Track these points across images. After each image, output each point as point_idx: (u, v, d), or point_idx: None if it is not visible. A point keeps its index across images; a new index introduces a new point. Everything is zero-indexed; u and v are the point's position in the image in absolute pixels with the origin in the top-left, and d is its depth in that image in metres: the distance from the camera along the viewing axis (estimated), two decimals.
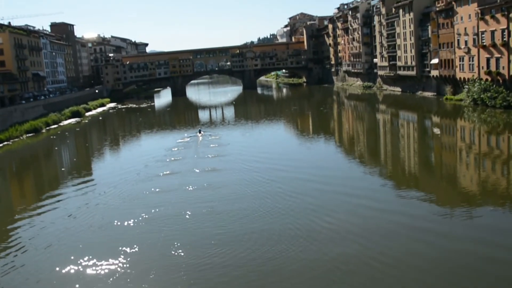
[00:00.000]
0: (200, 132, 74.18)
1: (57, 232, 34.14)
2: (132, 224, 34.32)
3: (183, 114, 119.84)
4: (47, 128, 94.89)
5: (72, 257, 29.14)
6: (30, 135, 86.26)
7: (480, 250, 26.65)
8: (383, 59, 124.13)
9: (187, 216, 34.93)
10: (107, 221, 35.51)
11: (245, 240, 29.95)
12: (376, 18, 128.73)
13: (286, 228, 31.20)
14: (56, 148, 77.80)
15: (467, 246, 27.41)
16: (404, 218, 31.94)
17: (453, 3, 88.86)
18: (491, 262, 25.40)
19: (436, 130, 70.13)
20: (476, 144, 58.55)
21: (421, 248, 27.23)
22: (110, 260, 28.30)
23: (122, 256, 28.74)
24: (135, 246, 30.07)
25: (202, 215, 34.99)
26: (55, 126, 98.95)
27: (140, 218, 35.25)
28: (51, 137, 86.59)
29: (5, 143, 77.89)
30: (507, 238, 28.21)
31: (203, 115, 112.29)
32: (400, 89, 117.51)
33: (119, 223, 34.66)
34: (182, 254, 28.61)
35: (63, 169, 61.13)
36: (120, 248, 29.95)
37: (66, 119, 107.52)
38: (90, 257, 28.84)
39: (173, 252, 28.97)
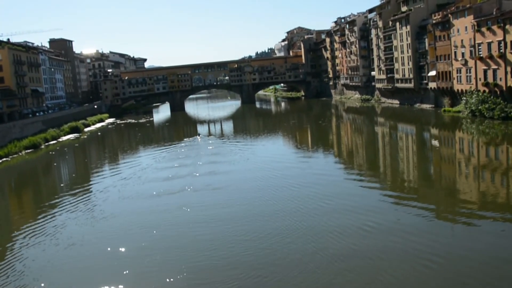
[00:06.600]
0: (199, 136, 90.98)
1: (54, 251, 33.75)
2: (138, 237, 34.21)
3: (182, 129, 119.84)
4: (46, 144, 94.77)
5: (68, 278, 28.97)
6: (29, 151, 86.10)
7: (481, 261, 26.58)
8: (381, 72, 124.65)
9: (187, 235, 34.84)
10: (106, 238, 35.38)
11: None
12: (373, 31, 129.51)
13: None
14: (55, 164, 77.65)
15: (467, 258, 27.33)
16: (403, 232, 31.73)
17: (449, 15, 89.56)
18: (492, 273, 25.33)
19: (435, 142, 70.16)
20: (475, 155, 58.54)
21: (419, 261, 27.06)
22: (107, 281, 27.89)
23: (120, 278, 28.18)
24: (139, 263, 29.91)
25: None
26: (54, 142, 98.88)
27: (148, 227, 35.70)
28: (50, 153, 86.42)
29: (4, 159, 77.76)
30: (506, 250, 28.17)
31: (202, 129, 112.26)
32: (398, 102, 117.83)
33: (120, 242, 34.49)
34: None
35: (62, 185, 60.91)
36: (119, 269, 29.65)
37: (65, 135, 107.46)
38: (86, 279, 28.57)
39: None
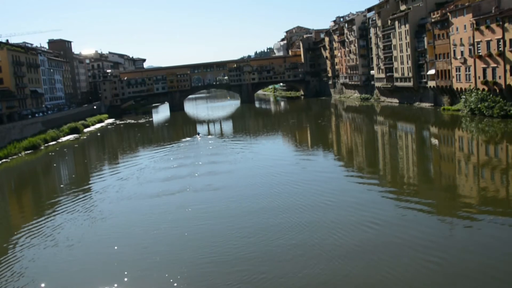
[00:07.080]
0: (199, 134, 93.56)
1: (52, 252, 33.70)
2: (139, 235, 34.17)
3: (181, 129, 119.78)
4: (46, 144, 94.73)
5: (67, 279, 28.96)
6: (28, 152, 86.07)
7: (481, 259, 26.60)
8: (380, 71, 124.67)
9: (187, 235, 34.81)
10: (106, 239, 35.37)
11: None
12: (372, 30, 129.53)
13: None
14: (54, 164, 77.57)
15: (470, 252, 27.51)
16: (404, 229, 31.79)
17: (448, 14, 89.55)
18: (492, 271, 25.36)
19: (435, 141, 70.15)
20: (475, 153, 58.57)
21: (423, 256, 27.14)
22: (107, 282, 27.78)
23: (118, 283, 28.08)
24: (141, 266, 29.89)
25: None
26: (54, 142, 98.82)
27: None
28: (50, 153, 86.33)
29: (4, 160, 77.71)
30: (506, 247, 28.23)
31: (201, 129, 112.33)
32: (397, 101, 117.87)
33: (120, 243, 34.50)
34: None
35: (61, 185, 60.81)
36: (119, 270, 29.55)
37: (64, 136, 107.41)
38: (85, 279, 28.54)
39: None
